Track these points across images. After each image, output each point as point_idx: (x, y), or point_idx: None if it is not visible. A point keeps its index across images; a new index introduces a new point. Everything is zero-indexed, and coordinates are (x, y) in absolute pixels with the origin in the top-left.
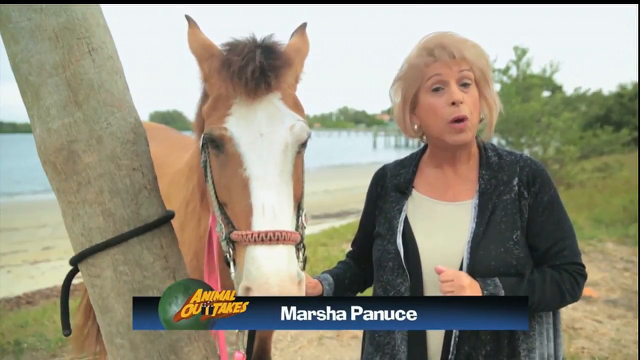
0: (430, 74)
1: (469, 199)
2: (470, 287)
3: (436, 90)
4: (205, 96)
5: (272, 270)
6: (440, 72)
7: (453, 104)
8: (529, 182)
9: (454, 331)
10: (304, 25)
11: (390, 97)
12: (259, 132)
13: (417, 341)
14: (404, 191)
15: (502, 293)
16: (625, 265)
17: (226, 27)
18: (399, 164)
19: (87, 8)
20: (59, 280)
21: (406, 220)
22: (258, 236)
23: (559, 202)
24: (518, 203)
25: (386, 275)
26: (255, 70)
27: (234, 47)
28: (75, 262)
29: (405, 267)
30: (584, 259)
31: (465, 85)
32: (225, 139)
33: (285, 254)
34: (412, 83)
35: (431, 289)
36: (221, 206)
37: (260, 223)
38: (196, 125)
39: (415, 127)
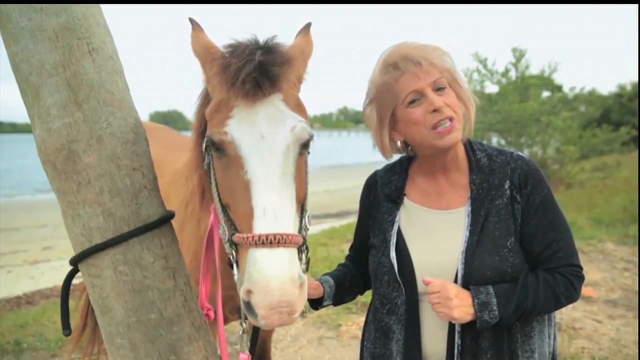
0: (402, 89)
1: (461, 207)
2: (458, 297)
3: (413, 102)
4: (207, 97)
5: (274, 273)
6: (412, 87)
7: (434, 111)
8: (521, 185)
9: (456, 340)
10: (308, 26)
11: (365, 120)
12: (260, 135)
13: (413, 355)
14: (396, 200)
15: (494, 300)
16: (625, 265)
17: (226, 27)
18: (390, 169)
19: (87, 8)
20: (59, 280)
21: (399, 232)
22: (259, 239)
23: (552, 202)
24: (511, 208)
25: (382, 288)
26: (254, 71)
27: (235, 49)
28: (75, 262)
29: (400, 280)
30: (584, 259)
31: (440, 89)
32: (226, 142)
33: (286, 256)
34: (386, 103)
35: (426, 302)
36: (224, 208)
37: (262, 225)
38: (196, 126)
39: (399, 143)
